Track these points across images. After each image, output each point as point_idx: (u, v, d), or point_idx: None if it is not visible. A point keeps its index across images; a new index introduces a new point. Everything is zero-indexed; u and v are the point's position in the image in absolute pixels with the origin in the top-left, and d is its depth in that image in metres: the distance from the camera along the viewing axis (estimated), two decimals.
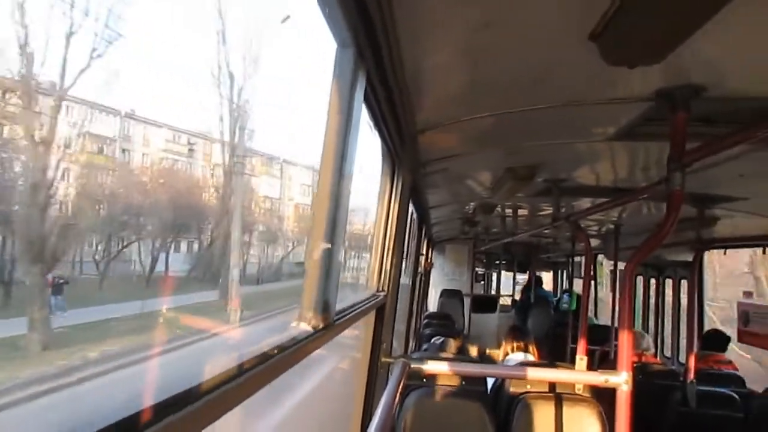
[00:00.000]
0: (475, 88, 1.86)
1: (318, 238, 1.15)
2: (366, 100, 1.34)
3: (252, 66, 28.21)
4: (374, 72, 1.33)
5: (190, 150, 31.05)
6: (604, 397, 3.24)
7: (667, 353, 7.10)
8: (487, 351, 8.83)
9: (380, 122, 1.68)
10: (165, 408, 0.57)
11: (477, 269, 11.83)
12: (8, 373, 12.36)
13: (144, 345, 16.06)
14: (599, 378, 2.20)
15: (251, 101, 29.45)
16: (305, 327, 1.08)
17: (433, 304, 9.99)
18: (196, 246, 29.95)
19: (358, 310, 1.57)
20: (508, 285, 13.61)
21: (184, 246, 29.53)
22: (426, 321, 7.55)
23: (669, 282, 7.26)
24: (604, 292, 10.26)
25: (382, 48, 1.30)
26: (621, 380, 2.12)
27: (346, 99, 1.16)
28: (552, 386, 3.30)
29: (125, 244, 25.73)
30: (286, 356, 0.88)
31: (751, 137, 1.68)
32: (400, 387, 2.03)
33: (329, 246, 1.17)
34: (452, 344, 4.94)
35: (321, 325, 1.12)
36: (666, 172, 1.98)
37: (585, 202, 4.02)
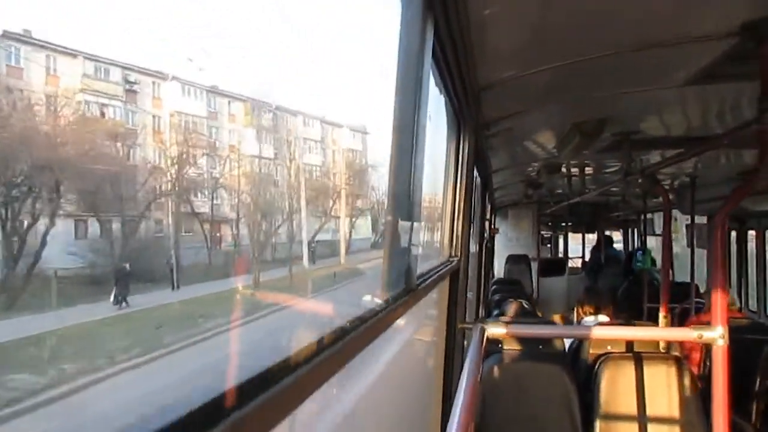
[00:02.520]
0: (541, 35, 1.77)
1: (395, 205, 1.14)
2: (433, 53, 1.29)
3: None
4: (442, 22, 1.28)
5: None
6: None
7: (753, 308, 6.74)
8: (557, 315, 8.70)
9: (446, 79, 1.63)
10: (256, 386, 0.54)
11: (543, 233, 11.60)
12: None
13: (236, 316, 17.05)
14: (692, 334, 2.10)
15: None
16: (392, 293, 1.08)
17: (499, 270, 9.89)
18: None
19: (435, 275, 1.56)
20: (577, 248, 13.28)
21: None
22: (494, 287, 7.49)
23: (751, 234, 6.86)
24: (679, 248, 9.82)
25: None
26: (716, 335, 2.01)
27: (416, 52, 1.12)
28: (630, 346, 3.19)
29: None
30: (380, 320, 0.88)
31: None
32: (481, 353, 2.02)
33: (408, 212, 1.15)
34: (520, 306, 4.86)
35: (405, 290, 1.12)
36: (754, 113, 1.84)
37: (657, 155, 3.82)
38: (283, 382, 0.56)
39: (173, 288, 19.39)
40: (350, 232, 30.98)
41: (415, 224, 1.20)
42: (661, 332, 2.97)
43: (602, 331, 2.95)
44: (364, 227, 31.79)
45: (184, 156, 23.29)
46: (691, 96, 2.52)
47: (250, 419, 0.48)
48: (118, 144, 21.39)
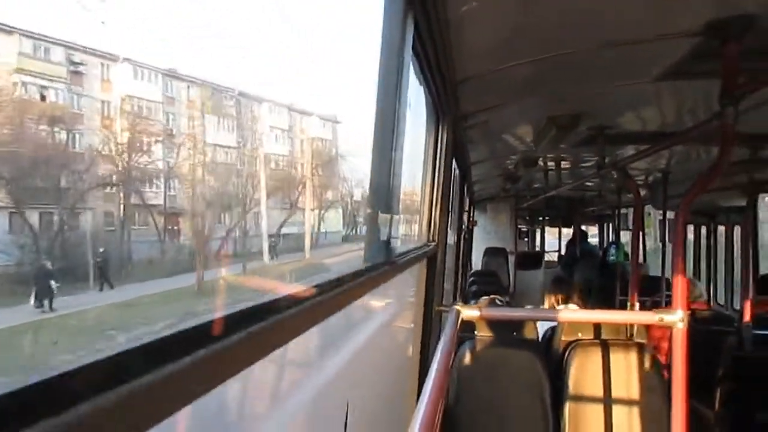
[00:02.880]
0: (517, 31, 1.85)
1: (377, 183, 1.21)
2: (413, 47, 1.35)
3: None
4: (422, 18, 1.34)
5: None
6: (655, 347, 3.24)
7: (721, 301, 6.97)
8: (534, 307, 8.86)
9: (426, 72, 1.69)
10: (248, 317, 0.59)
11: (520, 226, 11.77)
12: None
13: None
14: (653, 317, 2.20)
15: None
16: (371, 263, 1.14)
17: (477, 263, 10.03)
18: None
19: (413, 255, 1.62)
20: (554, 242, 13.50)
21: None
22: (471, 279, 7.61)
23: (722, 230, 7.08)
24: (653, 243, 10.06)
25: None
26: (676, 318, 2.12)
27: (397, 46, 1.19)
28: (600, 334, 3.32)
29: None
30: (359, 284, 0.94)
31: None
32: (455, 334, 2.08)
33: (387, 196, 1.22)
34: (493, 301, 4.97)
35: (384, 262, 1.19)
36: (717, 110, 1.93)
37: (631, 150, 3.94)
38: (257, 326, 0.59)
39: (103, 288, 17.18)
40: (319, 225, 29.29)
41: (395, 206, 1.26)
42: (625, 315, 3.10)
43: (568, 314, 3.07)
44: (335, 219, 30.43)
45: (136, 144, 21.21)
46: (662, 92, 2.62)
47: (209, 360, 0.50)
48: (60, 130, 19.96)
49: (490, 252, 10.16)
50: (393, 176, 1.21)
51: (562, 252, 12.21)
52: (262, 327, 0.60)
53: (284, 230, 25.32)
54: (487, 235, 10.59)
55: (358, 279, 0.91)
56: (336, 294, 0.82)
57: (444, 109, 2.17)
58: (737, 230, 6.33)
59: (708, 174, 2.02)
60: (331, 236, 29.08)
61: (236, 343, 0.54)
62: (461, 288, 6.83)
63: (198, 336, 0.50)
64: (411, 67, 1.44)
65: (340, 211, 31.23)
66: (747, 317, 4.47)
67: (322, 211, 29.57)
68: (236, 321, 0.56)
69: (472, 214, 8.70)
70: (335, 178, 30.68)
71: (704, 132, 2.27)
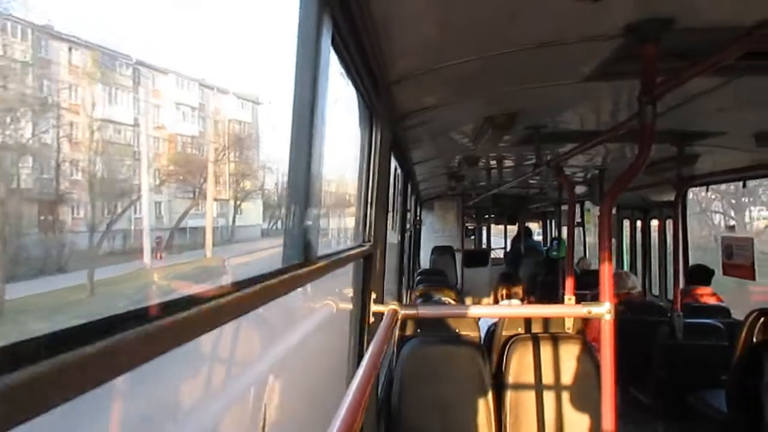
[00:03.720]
0: (446, 33, 1.86)
1: (296, 180, 1.18)
2: (335, 47, 1.34)
3: None
4: (341, 17, 1.33)
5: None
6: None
7: (655, 292, 7.29)
8: (482, 302, 9.01)
9: (352, 71, 1.68)
10: (169, 307, 0.60)
11: (467, 225, 11.95)
12: None
13: None
14: (582, 310, 2.27)
15: None
16: (290, 262, 1.12)
17: (425, 261, 10.12)
18: None
19: (342, 256, 1.61)
20: (500, 239, 13.79)
21: None
22: (419, 278, 7.67)
23: (655, 224, 7.41)
24: (593, 238, 10.42)
25: None
26: (603, 310, 2.19)
27: (312, 47, 1.17)
28: (544, 329, 3.41)
29: None
30: (274, 284, 0.91)
31: (718, 63, 1.70)
32: (394, 336, 2.09)
33: (306, 194, 1.20)
34: (449, 300, 5.04)
35: (303, 263, 1.17)
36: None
37: (566, 148, 4.07)
38: (153, 324, 0.58)
39: None
40: (234, 218, 26.96)
41: (314, 205, 1.24)
42: (556, 309, 3.19)
43: (504, 310, 3.14)
44: (254, 212, 28.52)
45: None
46: (591, 91, 2.71)
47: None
48: None
49: (438, 250, 10.29)
50: (311, 173, 1.19)
51: (508, 249, 12.49)
52: (157, 326, 0.58)
53: (187, 223, 23.03)
54: (435, 233, 10.71)
55: (271, 279, 0.89)
56: (247, 294, 0.79)
57: (378, 108, 2.16)
58: (669, 224, 6.63)
59: (629, 170, 2.09)
60: (248, 231, 27.61)
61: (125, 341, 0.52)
62: (408, 287, 6.87)
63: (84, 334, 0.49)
64: (335, 65, 1.42)
65: (260, 202, 28.76)
66: (678, 306, 4.70)
67: (238, 202, 27.60)
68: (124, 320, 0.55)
69: (419, 213, 8.77)
70: (254, 166, 28.41)
71: (629, 130, 2.35)
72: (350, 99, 2.03)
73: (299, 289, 1.04)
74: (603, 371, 2.21)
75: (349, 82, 1.76)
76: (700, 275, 5.64)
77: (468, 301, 9.30)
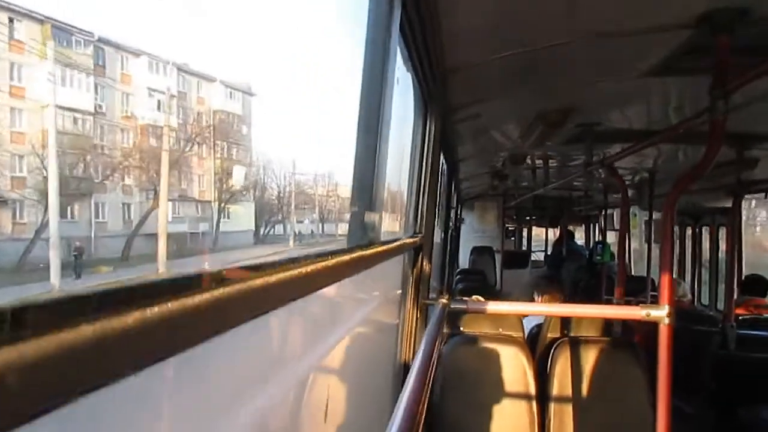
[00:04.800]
0: (504, 22, 1.82)
1: (361, 168, 1.18)
2: (402, 31, 1.31)
3: None
4: (410, 1, 1.31)
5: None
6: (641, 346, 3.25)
7: (705, 302, 7.04)
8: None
9: (414, 58, 1.66)
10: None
11: (508, 226, 11.81)
12: None
13: None
14: (640, 312, 2.19)
15: None
16: (354, 244, 1.12)
17: (464, 261, 10.06)
18: None
19: (397, 244, 1.59)
20: (540, 242, 13.58)
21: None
22: (458, 277, 7.62)
23: (706, 232, 7.15)
24: (637, 244, 10.14)
25: None
26: (663, 313, 2.11)
27: (383, 24, 1.15)
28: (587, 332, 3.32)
29: None
30: (341, 262, 0.89)
31: None
32: (442, 328, 2.06)
33: (371, 177, 1.19)
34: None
35: (368, 243, 1.16)
36: (706, 106, 1.92)
37: (617, 148, 3.96)
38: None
39: None
40: (218, 222, 22.79)
41: (380, 191, 1.24)
42: (610, 309, 3.09)
43: (555, 309, 3.07)
44: (245, 216, 24.08)
45: None
46: (652, 88, 2.61)
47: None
48: None
49: (477, 251, 10.20)
50: (378, 156, 1.18)
51: (548, 252, 12.29)
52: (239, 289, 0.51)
53: (172, 228, 19.20)
54: (474, 233, 10.62)
55: (341, 257, 0.87)
56: (323, 268, 0.77)
57: (433, 98, 2.14)
58: (722, 231, 6.39)
59: (694, 171, 2.01)
60: (238, 237, 23.18)
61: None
62: (448, 285, 6.83)
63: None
64: (398, 54, 1.40)
65: (253, 205, 25.20)
66: (731, 316, 4.51)
67: (224, 205, 23.36)
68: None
69: (459, 212, 8.71)
70: (247, 162, 24.72)
71: (692, 128, 2.26)
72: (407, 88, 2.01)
73: (361, 273, 1.03)
74: (660, 379, 2.14)
75: (408, 70, 1.74)
76: (756, 286, 5.41)
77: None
